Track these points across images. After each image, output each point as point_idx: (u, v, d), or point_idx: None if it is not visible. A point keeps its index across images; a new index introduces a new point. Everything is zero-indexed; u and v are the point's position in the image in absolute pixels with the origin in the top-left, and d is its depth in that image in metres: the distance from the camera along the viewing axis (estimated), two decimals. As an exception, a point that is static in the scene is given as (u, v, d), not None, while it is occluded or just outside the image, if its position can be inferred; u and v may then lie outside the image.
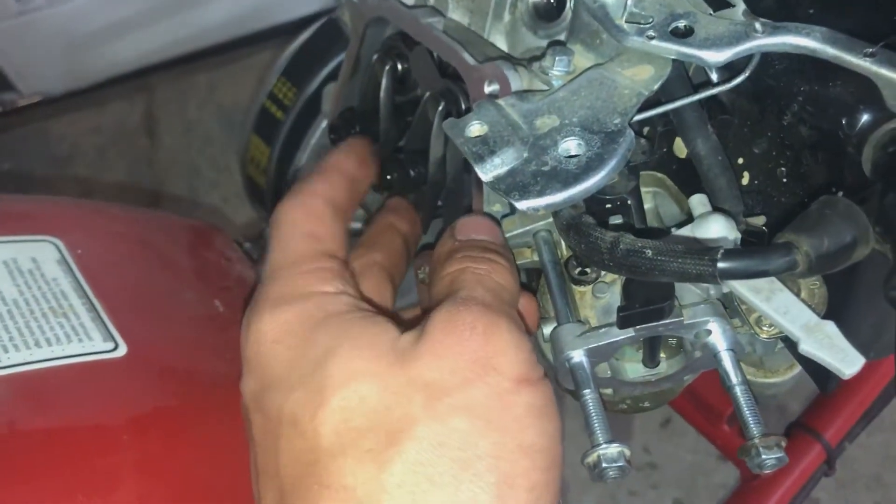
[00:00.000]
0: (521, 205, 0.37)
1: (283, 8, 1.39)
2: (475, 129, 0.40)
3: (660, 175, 0.46)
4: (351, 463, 0.35)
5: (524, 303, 0.45)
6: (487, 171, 0.39)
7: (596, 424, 0.39)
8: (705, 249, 0.33)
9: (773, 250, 0.33)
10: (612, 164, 0.38)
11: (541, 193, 0.37)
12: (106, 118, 1.59)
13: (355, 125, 0.54)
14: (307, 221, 0.44)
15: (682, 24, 0.41)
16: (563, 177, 0.38)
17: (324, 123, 0.68)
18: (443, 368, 0.36)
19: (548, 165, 0.38)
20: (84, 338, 0.43)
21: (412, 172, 0.51)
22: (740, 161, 0.47)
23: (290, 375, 0.37)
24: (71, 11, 1.40)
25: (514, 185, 0.38)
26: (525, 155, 0.39)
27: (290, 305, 0.39)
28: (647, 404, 0.48)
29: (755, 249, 0.33)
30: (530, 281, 0.53)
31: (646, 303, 0.39)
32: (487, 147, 0.39)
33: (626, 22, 0.41)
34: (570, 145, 0.39)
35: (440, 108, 0.50)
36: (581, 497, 1.17)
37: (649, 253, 0.34)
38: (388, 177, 0.51)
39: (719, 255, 0.32)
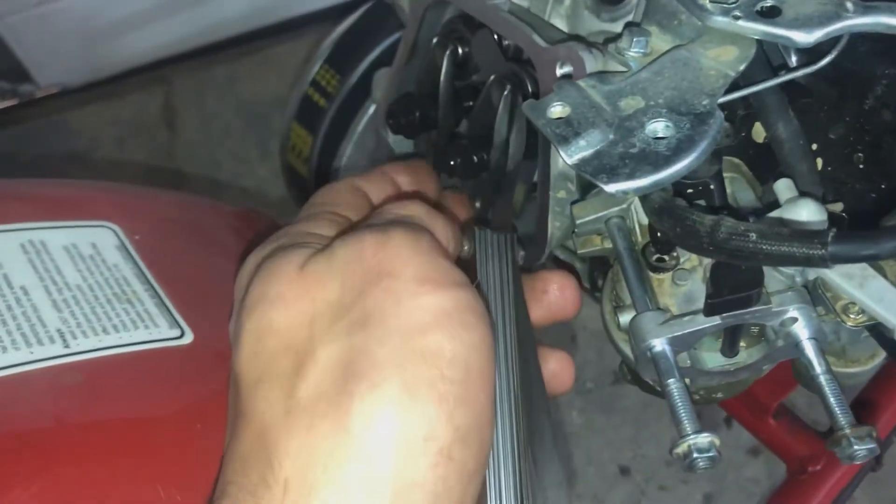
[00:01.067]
0: (611, 188, 0.36)
1: (303, -1, 1.38)
2: (557, 110, 0.39)
3: (736, 160, 0.45)
4: (263, 390, 0.34)
5: (454, 200, 0.46)
6: (572, 154, 0.37)
7: (683, 414, 0.38)
8: (814, 232, 0.32)
9: (884, 233, 0.32)
10: (703, 145, 0.37)
11: (630, 176, 0.36)
12: (124, 110, 1.58)
13: (415, 111, 0.53)
14: (332, 194, 0.43)
15: (768, 3, 0.40)
16: (653, 159, 0.37)
17: (371, 110, 0.67)
18: (343, 285, 0.35)
19: (636, 147, 0.37)
20: (150, 325, 0.42)
21: (475, 158, 0.50)
22: (814, 147, 0.46)
23: (236, 301, 0.37)
24: (89, 2, 1.40)
25: (601, 167, 0.37)
26: (611, 137, 0.38)
27: (263, 246, 0.39)
28: (719, 395, 0.47)
29: (865, 232, 0.32)
30: (593, 273, 0.52)
31: (734, 290, 0.38)
32: (571, 129, 0.38)
33: (710, 2, 0.40)
34: (658, 127, 0.38)
35: (506, 92, 0.49)
36: (608, 493, 1.16)
37: (753, 236, 0.33)
38: (452, 162, 0.50)
39: (830, 238, 0.31)
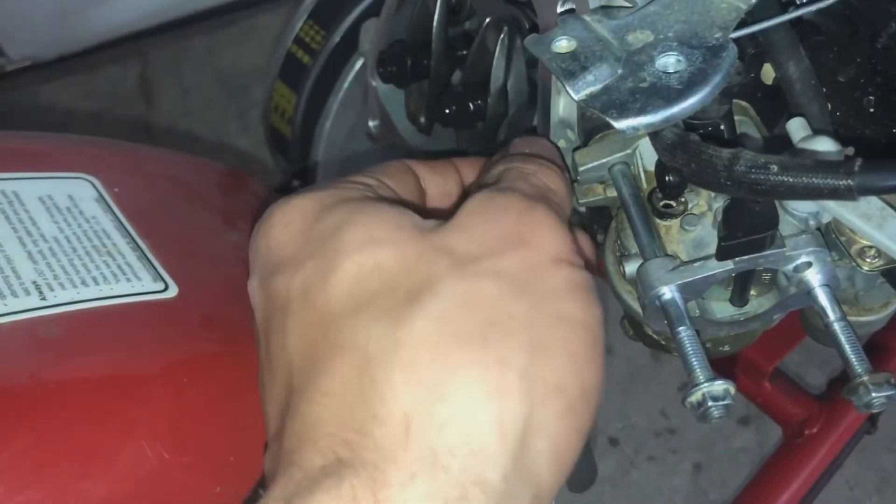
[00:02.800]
0: (621, 124, 0.34)
1: (284, -33, 1.35)
2: (563, 44, 0.37)
3: (744, 104, 0.43)
4: (364, 321, 0.31)
5: (577, 234, 0.42)
6: (580, 89, 0.36)
7: (695, 362, 0.36)
8: (839, 162, 0.30)
9: (913, 163, 0.30)
10: (716, 79, 0.35)
11: (642, 111, 0.34)
12: (99, 83, 1.54)
13: (406, 59, 0.50)
14: (382, 166, 0.40)
15: (781, -68, 0.38)
16: (665, 93, 0.35)
17: (357, 65, 0.65)
18: (471, 241, 0.33)
19: (646, 82, 0.35)
20: (132, 277, 0.40)
21: (471, 106, 0.48)
22: (823, 90, 0.44)
23: (299, 252, 0.34)
24: (61, -28, 1.36)
25: (610, 102, 0.35)
26: (620, 71, 0.36)
27: (305, 194, 0.36)
28: (726, 348, 0.45)
29: (892, 161, 0.30)
30: (592, 227, 0.50)
31: (748, 232, 0.36)
32: (578, 63, 0.36)
33: (720, -68, 0.38)
34: (669, 61, 0.36)
35: (502, 35, 0.47)
36: (599, 462, 1.15)
37: (774, 168, 0.31)
38: (447, 111, 0.48)
39: (857, 167, 0.30)
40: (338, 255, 0.33)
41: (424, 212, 0.38)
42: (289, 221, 0.35)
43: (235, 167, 0.57)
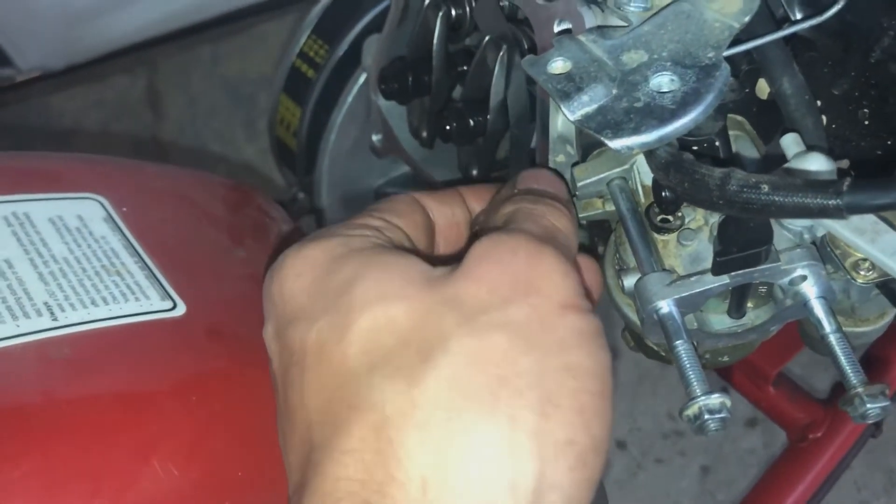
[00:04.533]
0: (616, 144, 0.35)
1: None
2: (558, 65, 0.38)
3: (739, 118, 0.44)
4: (379, 380, 0.32)
5: (585, 264, 0.42)
6: (575, 110, 0.36)
7: (692, 375, 0.37)
8: (828, 182, 0.31)
9: (901, 181, 0.31)
10: (709, 98, 0.36)
11: (636, 131, 0.35)
12: (108, 93, 1.56)
13: (407, 75, 0.51)
14: (388, 202, 0.40)
15: (772, -48, 0.39)
16: (659, 113, 0.35)
17: (361, 79, 0.66)
18: (480, 289, 0.33)
19: (640, 102, 0.36)
20: (141, 297, 0.41)
21: (471, 122, 0.49)
22: (818, 104, 0.45)
23: (313, 305, 0.35)
24: (69, -17, 1.37)
25: (605, 123, 0.36)
26: (614, 91, 0.37)
27: (314, 243, 0.36)
28: (725, 358, 0.46)
29: (881, 181, 0.31)
30: (593, 239, 0.51)
31: (743, 247, 0.37)
32: (573, 84, 0.37)
33: (713, -48, 0.39)
34: (663, 80, 0.36)
35: (501, 52, 0.47)
36: (606, 466, 1.16)
37: (765, 188, 0.32)
38: (447, 127, 0.48)
39: (846, 187, 0.30)
40: (351, 312, 0.34)
41: (433, 257, 0.39)
42: (300, 272, 0.36)
43: (241, 180, 0.58)
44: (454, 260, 0.35)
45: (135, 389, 0.37)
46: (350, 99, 0.66)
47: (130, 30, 1.43)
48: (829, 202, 0.31)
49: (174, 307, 0.41)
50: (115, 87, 1.55)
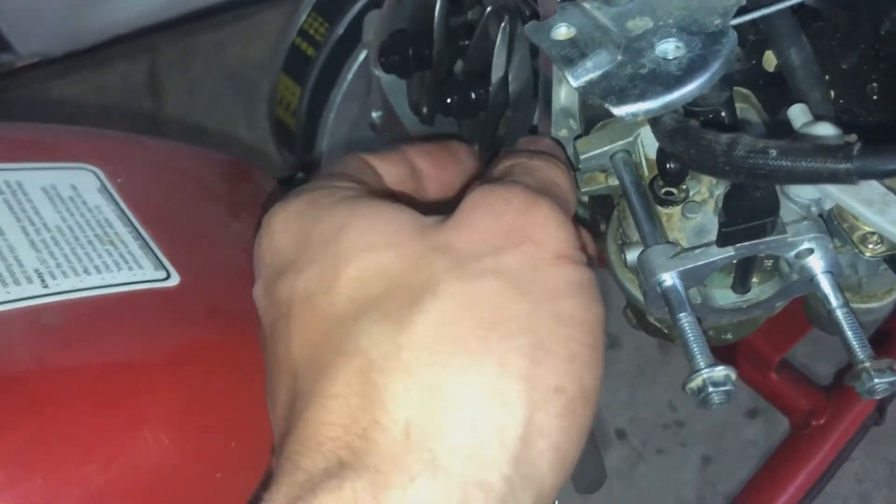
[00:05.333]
0: (620, 110, 0.34)
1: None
2: (562, 31, 0.37)
3: (745, 91, 0.43)
4: (366, 325, 0.31)
5: (580, 233, 0.42)
6: (579, 76, 0.36)
7: (695, 348, 0.36)
8: (838, 146, 0.30)
9: (913, 146, 0.30)
10: (716, 65, 0.35)
11: (641, 97, 0.34)
12: (108, 79, 1.55)
13: (408, 48, 0.50)
14: (341, 165, 0.39)
15: (781, -84, 0.38)
16: (665, 79, 0.35)
17: (361, 57, 0.65)
18: (472, 237, 0.33)
19: (645, 68, 0.35)
20: (134, 266, 0.40)
21: (473, 95, 0.48)
22: (826, 79, 0.44)
23: (300, 257, 0.34)
24: (70, -31, 1.36)
25: (609, 89, 0.35)
26: (619, 58, 0.36)
27: (299, 196, 0.36)
28: (729, 336, 0.45)
29: (892, 145, 0.30)
30: (594, 215, 0.50)
31: (749, 218, 0.36)
32: (577, 50, 0.36)
33: (720, -83, 0.38)
34: (669, 47, 0.36)
35: (503, 24, 0.46)
36: (605, 457, 1.15)
37: (773, 153, 0.31)
38: (448, 100, 0.48)
39: (856, 151, 0.30)
40: (339, 261, 0.33)
41: (422, 206, 0.37)
42: (287, 226, 0.35)
43: (240, 158, 0.57)
44: (444, 209, 0.34)
45: (127, 358, 0.36)
46: (350, 77, 0.65)
47: (131, 16, 1.43)
48: (839, 166, 0.30)
49: (168, 277, 0.40)
50: (115, 74, 1.54)
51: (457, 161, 0.43)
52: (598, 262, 0.43)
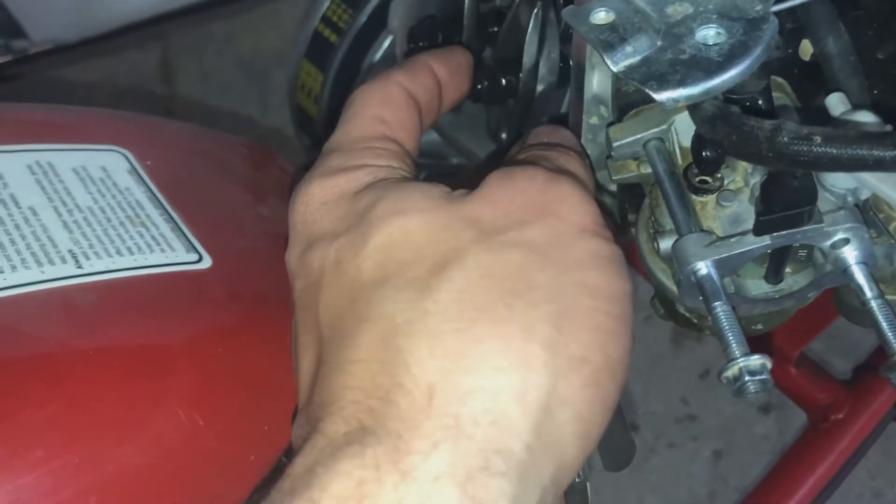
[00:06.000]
0: (661, 96, 0.34)
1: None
2: (601, 16, 0.36)
3: (780, 80, 0.43)
4: (391, 292, 0.32)
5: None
6: (618, 61, 0.35)
7: (731, 337, 0.36)
8: (884, 133, 0.30)
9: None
10: (757, 51, 0.34)
11: (682, 83, 0.34)
12: (120, 67, 1.55)
13: (437, 35, 0.50)
14: (379, 105, 0.40)
15: None
16: (706, 65, 0.34)
17: (386, 44, 0.65)
18: (497, 211, 0.33)
19: (686, 54, 0.35)
20: (167, 248, 0.40)
21: (503, 81, 0.47)
22: (862, 67, 0.43)
23: (335, 228, 0.34)
24: (83, -44, 1.36)
25: (649, 74, 0.35)
26: (659, 43, 0.35)
27: (342, 173, 0.36)
28: (759, 326, 0.45)
29: (941, 133, 0.30)
30: (623, 206, 0.50)
31: (786, 207, 0.36)
32: (617, 35, 0.36)
33: None
34: (709, 33, 0.35)
35: (535, 10, 0.46)
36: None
37: (818, 139, 0.31)
38: (479, 86, 0.47)
39: (904, 138, 0.29)
40: (370, 228, 0.33)
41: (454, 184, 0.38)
42: (326, 200, 0.36)
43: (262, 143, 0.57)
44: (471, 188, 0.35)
45: (161, 340, 0.36)
46: (374, 63, 0.65)
47: (143, 4, 1.42)
48: (887, 154, 0.30)
49: (200, 260, 0.40)
50: (128, 62, 1.54)
51: (467, 65, 0.45)
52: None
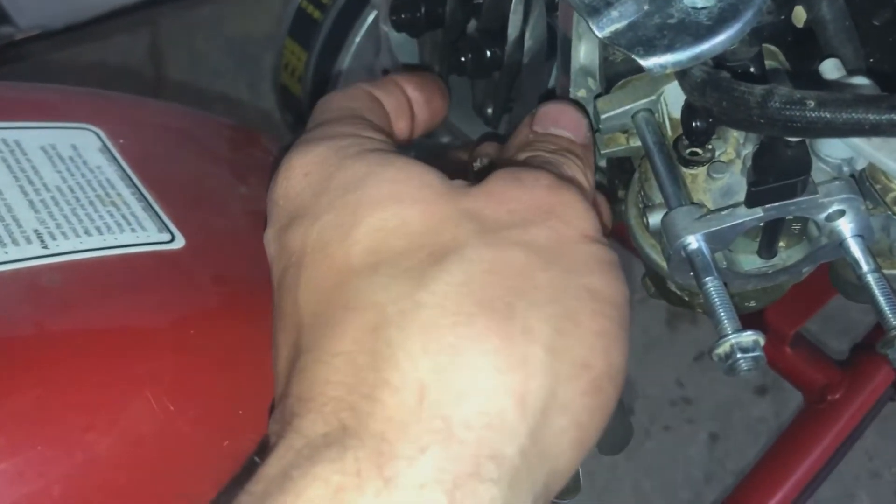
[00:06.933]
0: (648, 62, 0.33)
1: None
2: (586, -20, 0.35)
3: (773, 48, 0.41)
4: (384, 280, 0.29)
5: (596, 201, 0.41)
6: (604, 26, 0.34)
7: (722, 313, 0.35)
8: (881, 96, 0.29)
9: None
10: (748, 14, 0.33)
11: (669, 48, 0.33)
12: (109, 52, 1.53)
13: (420, 5, 0.49)
14: (345, 100, 0.39)
15: None
16: (694, 29, 0.33)
17: (370, 18, 0.63)
18: (500, 208, 0.32)
19: (674, 18, 0.34)
20: (137, 227, 0.38)
21: (488, 53, 0.46)
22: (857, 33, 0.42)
23: (317, 203, 0.32)
24: (70, -61, 1.34)
25: (636, 40, 0.33)
26: (646, 7, 0.34)
27: (325, 142, 0.34)
28: (752, 303, 0.44)
29: (940, 95, 0.28)
30: (613, 181, 0.49)
31: (779, 177, 0.34)
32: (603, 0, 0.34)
33: None
34: (698, -4, 0.34)
35: (520, -20, 0.45)
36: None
37: (811, 103, 0.29)
38: (462, 59, 0.46)
39: (902, 100, 0.28)
40: (360, 209, 0.31)
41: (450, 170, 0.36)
42: (308, 171, 0.33)
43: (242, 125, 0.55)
44: (469, 179, 0.33)
45: (130, 321, 0.35)
46: (358, 40, 0.63)
47: (132, -12, 1.40)
48: (883, 117, 0.28)
49: (172, 240, 0.39)
50: (116, 47, 1.52)
51: (441, 91, 0.43)
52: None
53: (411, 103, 0.41)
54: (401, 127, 0.41)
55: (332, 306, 0.30)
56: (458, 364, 0.28)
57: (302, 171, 0.33)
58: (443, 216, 0.31)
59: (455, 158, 0.46)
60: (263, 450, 0.29)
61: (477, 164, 0.44)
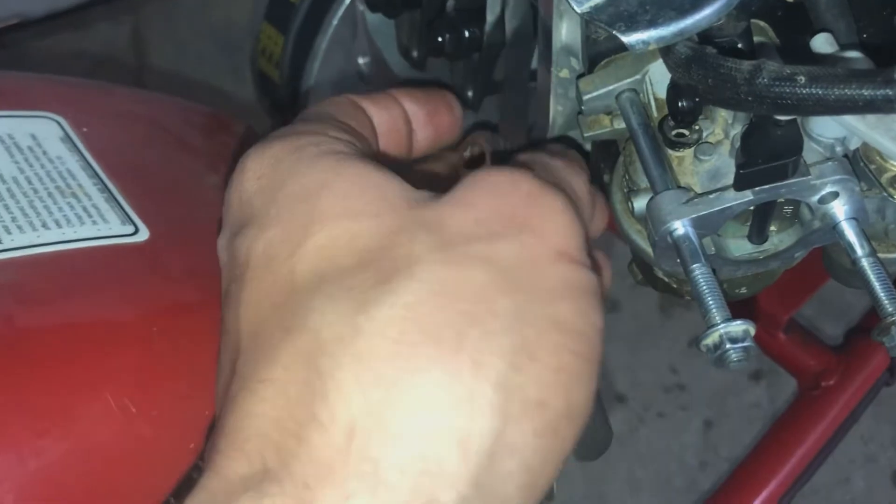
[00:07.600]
0: (630, 38, 0.31)
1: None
2: (564, -47, 0.33)
3: (762, 24, 0.39)
4: (322, 301, 0.27)
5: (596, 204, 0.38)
6: (584, 1, 0.32)
7: (711, 302, 0.33)
8: (875, 70, 0.27)
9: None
10: (735, -14, 0.31)
11: (652, 23, 0.31)
12: (91, 41, 1.51)
13: (397, -15, 0.47)
14: (328, 105, 0.36)
15: None
16: (678, 3, 0.31)
17: (347, 1, 0.61)
18: (466, 217, 0.29)
19: (656, -9, 0.32)
20: (99, 220, 0.37)
21: (466, 33, 0.44)
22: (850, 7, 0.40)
23: (266, 212, 0.29)
24: (48, -75, 1.31)
25: (617, 15, 0.32)
26: (627, -19, 0.32)
27: (281, 140, 0.31)
28: (743, 290, 0.42)
29: (937, 69, 0.27)
30: (598, 165, 0.47)
31: (770, 158, 0.33)
32: (581, -27, 0.33)
33: None
34: (682, -32, 0.32)
35: (499, -44, 0.43)
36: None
37: (802, 79, 0.28)
38: (440, 38, 0.44)
39: (897, 74, 0.26)
40: (310, 224, 0.29)
41: (419, 179, 0.33)
42: (262, 174, 0.31)
43: (221, 110, 0.53)
44: (443, 189, 0.30)
45: (89, 318, 0.33)
46: (335, 23, 0.62)
47: (114, -25, 1.38)
48: (878, 92, 0.27)
49: (136, 232, 0.37)
50: (98, 35, 1.50)
51: (448, 107, 0.39)
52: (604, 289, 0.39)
53: (409, 118, 0.38)
54: (393, 143, 0.37)
55: (270, 327, 0.28)
56: (394, 401, 0.26)
57: (255, 174, 0.31)
58: (397, 229, 0.28)
59: (446, 158, 0.43)
60: (185, 487, 0.27)
61: (467, 154, 0.42)
